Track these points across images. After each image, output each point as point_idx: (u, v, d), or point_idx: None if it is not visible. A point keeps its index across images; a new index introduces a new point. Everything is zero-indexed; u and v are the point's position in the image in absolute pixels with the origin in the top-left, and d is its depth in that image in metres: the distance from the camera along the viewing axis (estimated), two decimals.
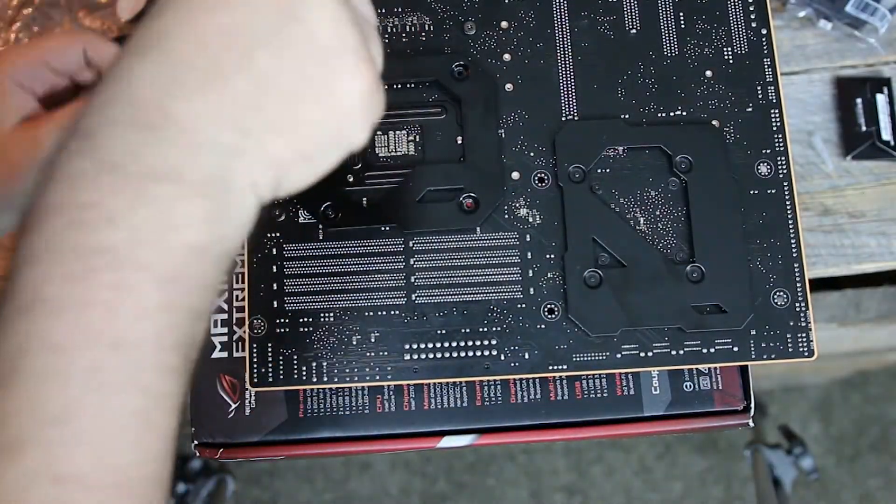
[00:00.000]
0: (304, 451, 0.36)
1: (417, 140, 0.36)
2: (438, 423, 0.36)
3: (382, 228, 0.35)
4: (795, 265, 0.35)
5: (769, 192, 0.35)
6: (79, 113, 0.22)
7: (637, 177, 0.35)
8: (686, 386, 0.36)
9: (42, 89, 0.33)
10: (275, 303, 0.34)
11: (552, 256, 0.34)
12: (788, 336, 0.34)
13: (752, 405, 0.36)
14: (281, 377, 0.34)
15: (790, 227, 0.35)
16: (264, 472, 1.08)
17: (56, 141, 0.22)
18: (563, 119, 0.36)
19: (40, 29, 0.50)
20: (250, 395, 0.36)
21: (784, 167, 0.35)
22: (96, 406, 0.20)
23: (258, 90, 0.21)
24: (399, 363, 0.34)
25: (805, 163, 0.47)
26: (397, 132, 0.36)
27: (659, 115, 0.36)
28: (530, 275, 0.34)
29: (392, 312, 0.34)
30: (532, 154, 0.35)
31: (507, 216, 0.35)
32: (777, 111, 0.36)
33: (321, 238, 0.35)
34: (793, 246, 0.35)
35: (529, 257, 0.34)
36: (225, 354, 0.36)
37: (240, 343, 0.36)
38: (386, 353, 0.34)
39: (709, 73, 0.36)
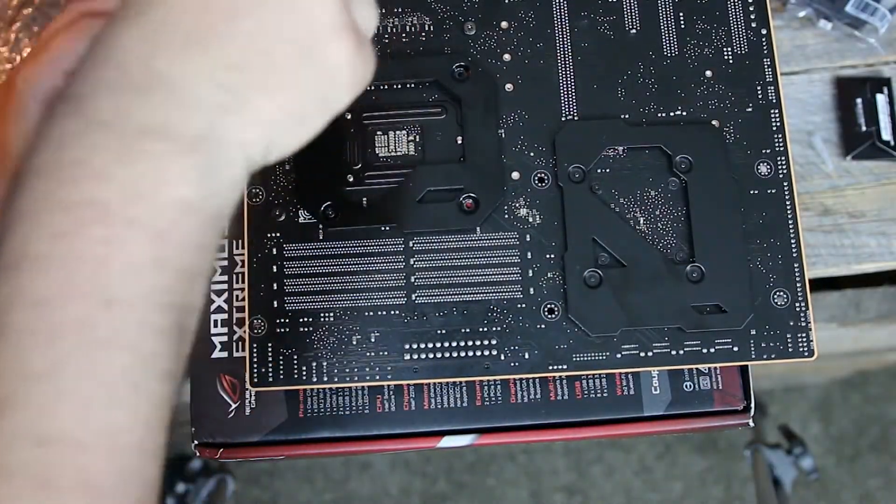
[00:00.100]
0: (304, 451, 0.36)
1: (417, 140, 0.36)
2: (438, 423, 0.36)
3: (382, 228, 0.35)
4: (795, 265, 0.35)
5: (769, 192, 0.35)
6: None
7: (637, 177, 0.35)
8: (686, 386, 0.36)
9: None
10: (275, 303, 0.34)
11: (552, 256, 0.35)
12: (788, 336, 0.34)
13: (752, 405, 0.36)
14: (281, 377, 0.34)
15: (790, 227, 0.35)
16: (264, 472, 1.08)
17: None
18: (563, 119, 0.36)
19: (40, 29, 0.50)
20: (250, 395, 0.36)
21: (784, 167, 0.35)
22: (83, 363, 0.19)
23: (243, 52, 0.21)
24: (399, 363, 0.34)
25: (805, 163, 0.47)
26: (397, 132, 0.36)
27: (659, 115, 0.36)
28: (530, 275, 0.34)
29: (392, 312, 0.34)
30: (532, 154, 0.35)
31: (507, 216, 0.35)
32: (777, 111, 0.36)
33: (321, 238, 0.35)
34: (793, 246, 0.35)
35: (529, 257, 0.35)
36: (225, 354, 0.36)
37: (240, 343, 0.36)
38: (386, 353, 0.34)
39: (709, 73, 0.36)
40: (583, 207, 0.35)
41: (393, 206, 0.35)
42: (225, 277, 0.37)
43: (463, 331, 0.34)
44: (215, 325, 0.37)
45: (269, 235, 0.35)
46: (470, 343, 0.34)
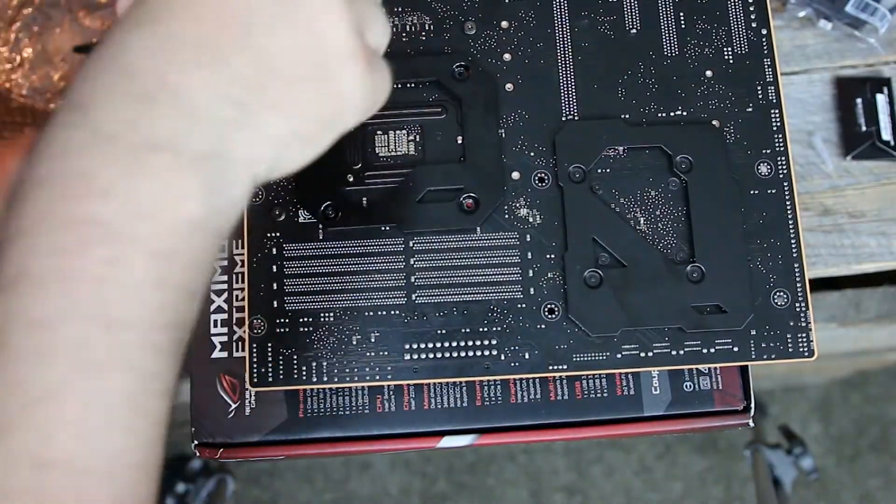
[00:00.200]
0: (304, 451, 0.36)
1: (417, 140, 0.36)
2: (438, 423, 0.36)
3: (382, 228, 0.35)
4: (795, 265, 0.35)
5: (769, 192, 0.35)
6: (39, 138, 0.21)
7: (637, 177, 0.35)
8: (686, 386, 0.36)
9: None
10: (275, 303, 0.34)
11: (552, 256, 0.34)
12: (788, 336, 0.34)
13: (752, 405, 0.36)
14: (281, 377, 0.34)
15: (790, 227, 0.35)
16: (264, 472, 1.08)
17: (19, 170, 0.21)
18: (564, 119, 0.36)
19: (40, 29, 0.50)
20: (250, 395, 0.36)
21: (784, 167, 0.35)
22: (83, 386, 0.19)
23: (255, 68, 0.21)
24: (399, 363, 0.34)
25: (805, 163, 0.47)
26: (397, 132, 0.36)
27: (659, 115, 0.36)
28: (530, 275, 0.34)
29: (392, 312, 0.34)
30: (532, 154, 0.35)
31: (507, 216, 0.35)
32: (777, 111, 0.36)
33: (321, 238, 0.35)
34: (793, 246, 0.35)
35: (529, 257, 0.34)
36: (225, 354, 0.36)
37: (240, 343, 0.36)
38: (386, 353, 0.34)
39: (709, 73, 0.36)
40: (583, 207, 0.35)
41: (393, 206, 0.35)
42: (225, 277, 0.37)
43: (463, 331, 0.34)
44: (215, 325, 0.37)
45: (269, 235, 0.35)
46: (470, 343, 0.34)
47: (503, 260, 0.34)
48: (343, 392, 0.36)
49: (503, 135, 0.36)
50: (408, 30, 0.37)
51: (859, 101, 0.47)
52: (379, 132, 0.36)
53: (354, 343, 0.34)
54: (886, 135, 0.46)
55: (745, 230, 0.35)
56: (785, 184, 0.35)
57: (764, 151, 0.35)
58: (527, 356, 0.34)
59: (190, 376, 0.36)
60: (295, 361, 0.34)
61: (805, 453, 0.72)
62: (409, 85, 0.36)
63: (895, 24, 0.46)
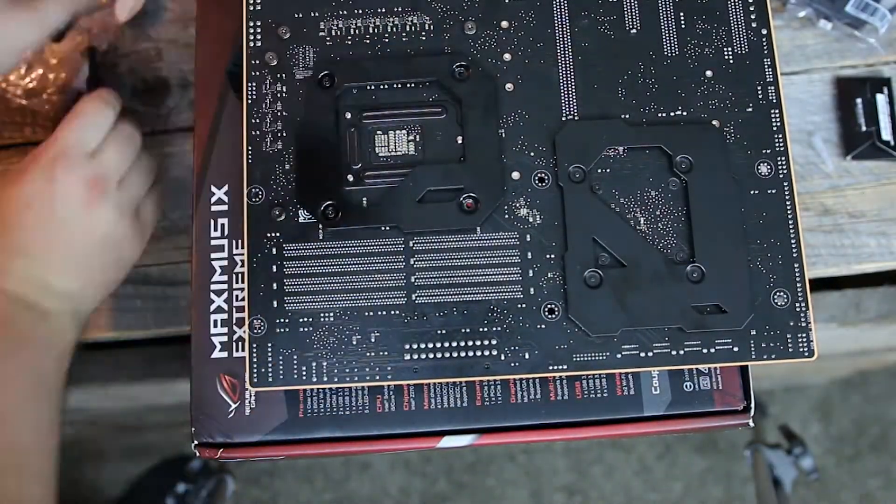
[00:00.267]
0: (304, 451, 0.36)
1: (417, 140, 0.36)
2: (438, 423, 0.36)
3: (382, 228, 0.35)
4: (795, 265, 0.35)
5: (769, 192, 0.35)
6: None
7: (637, 177, 0.35)
8: (686, 386, 0.36)
9: None
10: (275, 303, 0.34)
11: (552, 256, 0.34)
12: (788, 336, 0.34)
13: (752, 405, 0.36)
14: (281, 377, 0.34)
15: (790, 227, 0.35)
16: (264, 472, 1.08)
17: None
18: (564, 119, 0.36)
19: None
20: (250, 395, 0.36)
21: (784, 167, 0.35)
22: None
23: (63, 259, 0.37)
24: (399, 363, 0.34)
25: (805, 163, 0.47)
26: (397, 132, 0.36)
27: (659, 115, 0.36)
28: (530, 275, 0.34)
29: (392, 312, 0.34)
30: (532, 154, 0.35)
31: (507, 216, 0.35)
32: (777, 111, 0.36)
33: (321, 238, 0.35)
34: (793, 246, 0.35)
35: (529, 257, 0.34)
36: (225, 354, 0.36)
37: (240, 343, 0.36)
38: (386, 353, 0.34)
39: (709, 73, 0.36)
40: (583, 207, 0.35)
41: (393, 206, 0.35)
42: (225, 277, 0.37)
43: (463, 331, 0.34)
44: (215, 325, 0.37)
45: (269, 235, 0.35)
46: (470, 343, 0.34)
47: (503, 260, 0.34)
48: (343, 392, 0.36)
49: (503, 135, 0.36)
50: (408, 30, 0.37)
51: (859, 101, 0.47)
52: (379, 132, 0.36)
53: (354, 343, 0.34)
54: (886, 135, 0.46)
55: (745, 230, 0.35)
56: (785, 184, 0.35)
57: (764, 151, 0.35)
58: (527, 356, 0.34)
59: (190, 376, 0.36)
60: (295, 361, 0.34)
61: (805, 453, 0.72)
62: (409, 85, 0.36)
63: (895, 24, 0.46)
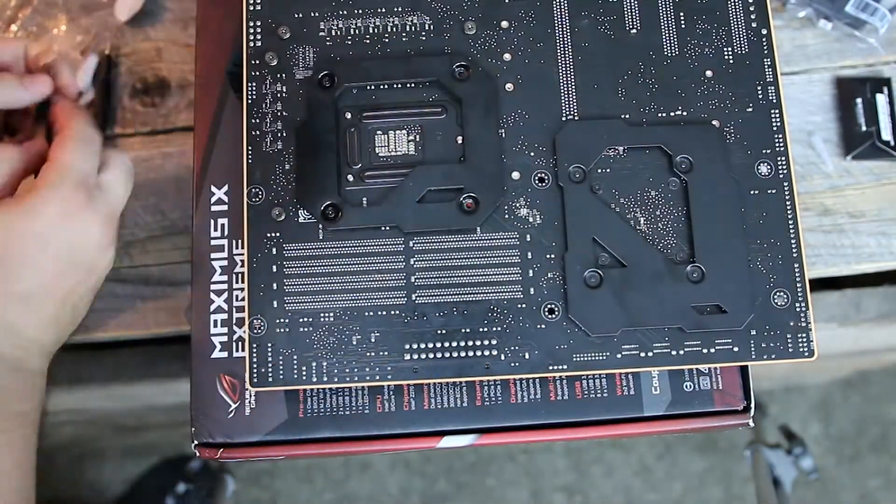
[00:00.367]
0: (304, 451, 0.36)
1: (417, 140, 0.36)
2: (438, 423, 0.36)
3: (382, 228, 0.35)
4: (795, 265, 0.35)
5: (769, 192, 0.35)
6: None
7: (637, 177, 0.35)
8: (686, 386, 0.36)
9: None
10: (275, 303, 0.34)
11: (552, 256, 0.34)
12: (788, 336, 0.34)
13: (752, 405, 0.36)
14: (281, 377, 0.34)
15: (790, 227, 0.35)
16: (264, 472, 1.08)
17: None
18: (564, 119, 0.36)
19: (38, 29, 0.50)
20: (250, 395, 0.36)
21: (784, 167, 0.35)
22: None
23: (33, 287, 0.33)
24: (399, 363, 0.34)
25: (805, 163, 0.47)
26: (397, 132, 0.36)
27: (659, 115, 0.36)
28: (530, 275, 0.34)
29: (392, 312, 0.34)
30: (532, 154, 0.35)
31: (507, 216, 0.35)
32: (777, 111, 0.36)
33: (321, 238, 0.35)
34: (793, 246, 0.35)
35: (529, 257, 0.34)
36: (225, 354, 0.36)
37: (240, 343, 0.36)
38: (386, 353, 0.34)
39: (709, 73, 0.36)
40: (583, 207, 0.35)
41: (393, 206, 0.35)
42: (225, 277, 0.37)
43: (463, 331, 0.34)
44: (215, 325, 0.37)
45: (269, 235, 0.35)
46: (470, 343, 0.34)
47: (503, 260, 0.34)
48: (343, 392, 0.36)
49: (503, 135, 0.36)
50: (408, 30, 0.37)
51: (859, 101, 0.47)
52: (379, 132, 0.36)
53: (354, 343, 0.34)
54: (886, 135, 0.46)
55: (745, 230, 0.35)
56: (785, 184, 0.35)
57: (764, 151, 0.35)
58: (527, 356, 0.34)
59: (190, 376, 0.36)
60: (295, 361, 0.34)
61: (805, 453, 0.72)
62: (409, 85, 0.36)
63: (895, 24, 0.46)
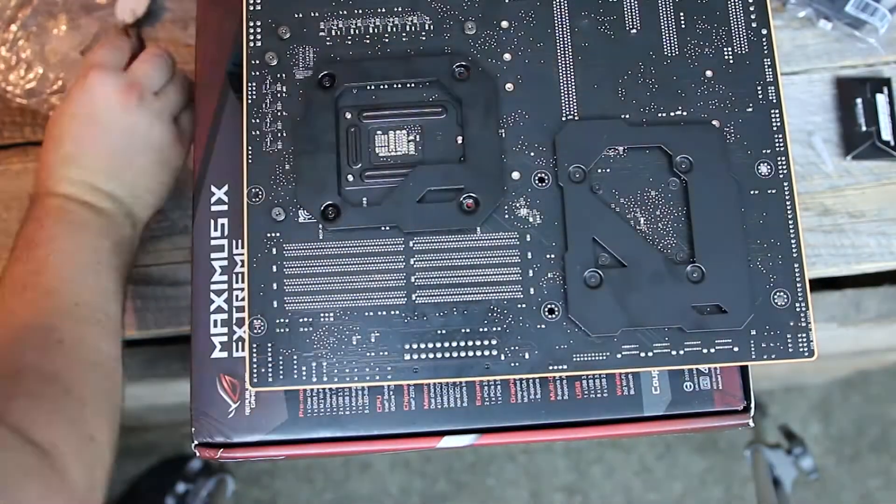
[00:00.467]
0: (304, 451, 0.36)
1: (417, 140, 0.36)
2: (438, 423, 0.36)
3: (382, 228, 0.35)
4: (795, 265, 0.35)
5: (769, 192, 0.35)
6: None
7: (637, 177, 0.35)
8: (686, 386, 0.36)
9: None
10: (275, 303, 0.34)
11: (552, 256, 0.34)
12: (788, 336, 0.34)
13: (752, 405, 0.36)
14: (281, 377, 0.34)
15: (790, 227, 0.35)
16: (264, 472, 1.08)
17: None
18: (564, 119, 0.36)
19: (38, 29, 0.50)
20: (250, 395, 0.36)
21: (784, 167, 0.35)
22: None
23: (130, 174, 0.42)
24: (399, 363, 0.34)
25: (805, 163, 0.47)
26: (397, 132, 0.36)
27: (659, 115, 0.36)
28: (530, 275, 0.34)
29: (392, 312, 0.34)
30: (532, 154, 0.35)
31: (507, 216, 0.35)
32: (777, 111, 0.36)
33: (321, 238, 0.35)
34: (793, 246, 0.35)
35: (529, 257, 0.34)
36: (225, 354, 0.36)
37: (240, 343, 0.36)
38: (386, 353, 0.34)
39: (709, 73, 0.36)
40: (583, 207, 0.35)
41: (393, 206, 0.35)
42: (225, 277, 0.37)
43: (463, 331, 0.34)
44: (215, 325, 0.37)
45: (269, 235, 0.35)
46: (470, 343, 0.34)
47: (503, 260, 0.34)
48: (343, 392, 0.36)
49: (503, 135, 0.36)
50: (408, 30, 0.37)
51: (859, 101, 0.47)
52: (379, 132, 0.36)
53: (354, 343, 0.34)
54: (886, 135, 0.46)
55: (745, 230, 0.35)
56: (785, 184, 0.35)
57: (764, 151, 0.35)
58: (527, 356, 0.34)
59: (190, 376, 0.36)
60: (295, 361, 0.34)
61: (805, 453, 0.72)
62: (409, 85, 0.36)
63: (895, 24, 0.47)
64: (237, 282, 0.37)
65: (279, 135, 0.36)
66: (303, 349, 0.34)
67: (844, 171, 0.46)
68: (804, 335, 0.34)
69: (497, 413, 0.36)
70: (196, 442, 0.36)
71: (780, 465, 0.69)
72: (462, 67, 0.36)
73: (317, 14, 0.37)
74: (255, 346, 0.34)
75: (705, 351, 0.34)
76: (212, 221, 0.38)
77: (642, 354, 0.34)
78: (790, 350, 0.34)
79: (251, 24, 0.37)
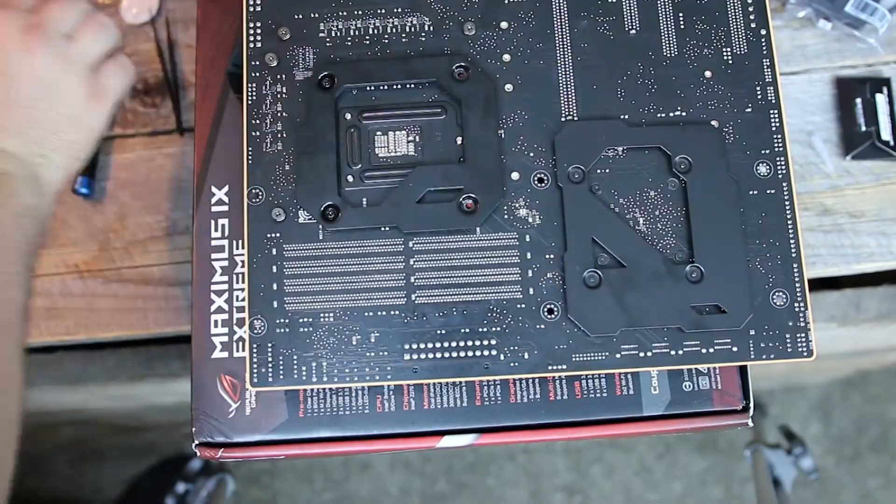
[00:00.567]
0: (304, 451, 0.36)
1: (417, 140, 0.36)
2: (438, 423, 0.36)
3: (382, 228, 0.35)
4: (795, 265, 0.35)
5: (768, 192, 0.35)
6: None
7: (636, 177, 0.35)
8: (685, 386, 0.36)
9: None
10: (275, 303, 0.34)
11: (552, 257, 0.35)
12: (787, 336, 0.34)
13: (752, 405, 0.36)
14: (281, 377, 0.34)
15: (789, 227, 0.35)
16: (264, 472, 1.08)
17: None
18: (563, 119, 0.36)
19: None
20: (250, 395, 0.36)
21: (783, 167, 0.35)
22: None
23: (49, 123, 0.36)
24: (399, 363, 0.34)
25: (805, 163, 0.47)
26: (397, 133, 0.36)
27: (658, 115, 0.36)
28: (530, 275, 0.34)
29: (392, 312, 0.34)
30: (532, 154, 0.35)
31: (506, 216, 0.35)
32: (776, 112, 0.36)
33: (321, 238, 0.35)
34: (792, 246, 0.35)
35: (529, 257, 0.35)
36: (225, 354, 0.36)
37: (240, 343, 0.37)
38: (386, 353, 0.34)
39: (708, 73, 0.36)
40: (582, 208, 0.35)
41: (393, 207, 0.35)
42: (225, 278, 0.37)
43: (463, 331, 0.34)
44: (215, 326, 0.37)
45: (269, 236, 0.35)
46: (470, 343, 0.34)
47: (503, 260, 0.35)
48: (343, 392, 0.36)
49: (503, 135, 0.36)
50: (407, 30, 0.37)
51: (859, 101, 0.47)
52: (379, 133, 0.36)
53: (354, 343, 0.34)
54: (886, 135, 0.46)
55: (745, 230, 0.35)
56: (784, 184, 0.35)
57: (763, 152, 0.35)
58: (526, 356, 0.34)
59: (190, 376, 0.36)
60: (295, 361, 0.34)
61: (805, 453, 0.72)
62: (408, 86, 0.36)
63: (895, 24, 0.47)
64: (237, 282, 0.37)
65: (279, 135, 0.36)
66: (303, 349, 0.34)
67: (844, 171, 0.46)
68: (803, 335, 0.34)
69: (497, 413, 0.36)
70: (196, 442, 0.36)
71: (780, 465, 0.69)
72: (461, 68, 0.36)
73: (317, 15, 0.37)
74: (255, 346, 0.34)
75: (704, 351, 0.34)
76: (212, 222, 0.38)
77: (641, 354, 0.34)
78: (789, 350, 0.34)
79: (251, 24, 0.37)
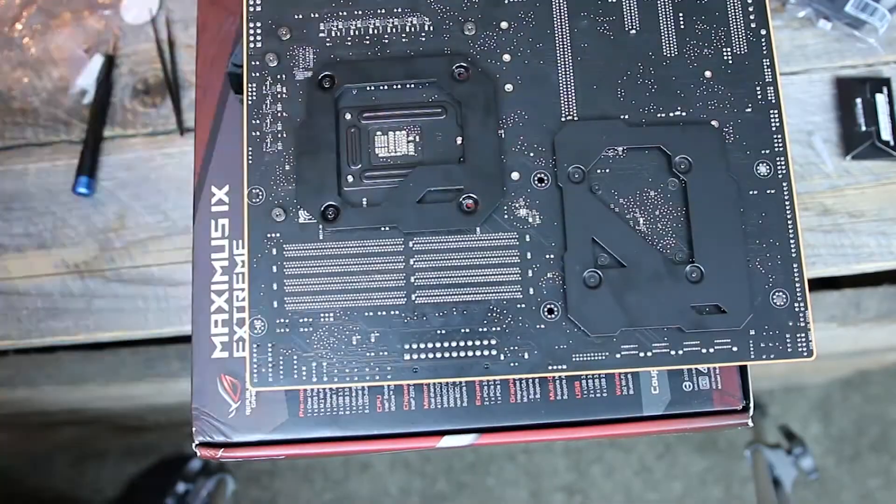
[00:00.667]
0: (304, 450, 0.36)
1: (417, 140, 0.36)
2: (438, 423, 0.36)
3: (382, 228, 0.35)
4: (795, 265, 0.35)
5: (768, 192, 0.35)
6: None
7: (636, 177, 0.35)
8: (685, 386, 0.36)
9: None
10: (275, 303, 0.34)
11: (552, 257, 0.35)
12: (787, 336, 0.34)
13: (752, 405, 0.36)
14: (281, 377, 0.34)
15: (789, 227, 0.35)
16: (264, 472, 1.08)
17: None
18: (563, 119, 0.36)
19: (42, 27, 0.50)
20: (250, 395, 0.36)
21: (783, 167, 0.35)
22: None
23: None
24: (399, 363, 0.34)
25: (805, 163, 0.47)
26: (397, 133, 0.36)
27: (658, 115, 0.36)
28: (530, 275, 0.34)
29: (392, 312, 0.34)
30: (532, 154, 0.35)
31: (506, 216, 0.35)
32: (776, 112, 0.36)
33: (321, 238, 0.35)
34: (792, 246, 0.35)
35: (529, 257, 0.35)
36: (225, 354, 0.36)
37: (240, 343, 0.37)
38: (386, 353, 0.34)
39: (708, 73, 0.36)
40: (582, 208, 0.35)
41: (393, 207, 0.35)
42: (225, 278, 0.37)
43: (463, 331, 0.34)
44: (215, 326, 0.37)
45: (269, 236, 0.35)
46: (470, 343, 0.34)
47: (503, 260, 0.35)
48: (343, 392, 0.36)
49: (503, 135, 0.36)
50: (407, 30, 0.37)
51: (859, 101, 0.47)
52: (379, 133, 0.36)
53: (354, 343, 0.34)
54: (886, 135, 0.46)
55: (745, 230, 0.35)
56: (784, 184, 0.35)
57: (763, 152, 0.35)
58: (526, 356, 0.34)
59: (190, 376, 0.36)
60: (295, 361, 0.34)
61: (805, 453, 0.72)
62: (408, 86, 0.36)
63: (895, 24, 0.47)
64: (237, 282, 0.37)
65: (279, 135, 0.36)
66: (303, 349, 0.34)
67: (844, 171, 0.46)
68: (803, 335, 0.34)
69: (497, 413, 0.36)
70: (196, 442, 0.36)
71: (780, 465, 0.69)
72: (462, 68, 0.36)
73: (317, 15, 0.37)
74: (255, 346, 0.34)
75: (704, 351, 0.34)
76: (212, 222, 0.38)
77: (641, 354, 0.34)
78: (789, 350, 0.34)
79: (251, 24, 0.37)
